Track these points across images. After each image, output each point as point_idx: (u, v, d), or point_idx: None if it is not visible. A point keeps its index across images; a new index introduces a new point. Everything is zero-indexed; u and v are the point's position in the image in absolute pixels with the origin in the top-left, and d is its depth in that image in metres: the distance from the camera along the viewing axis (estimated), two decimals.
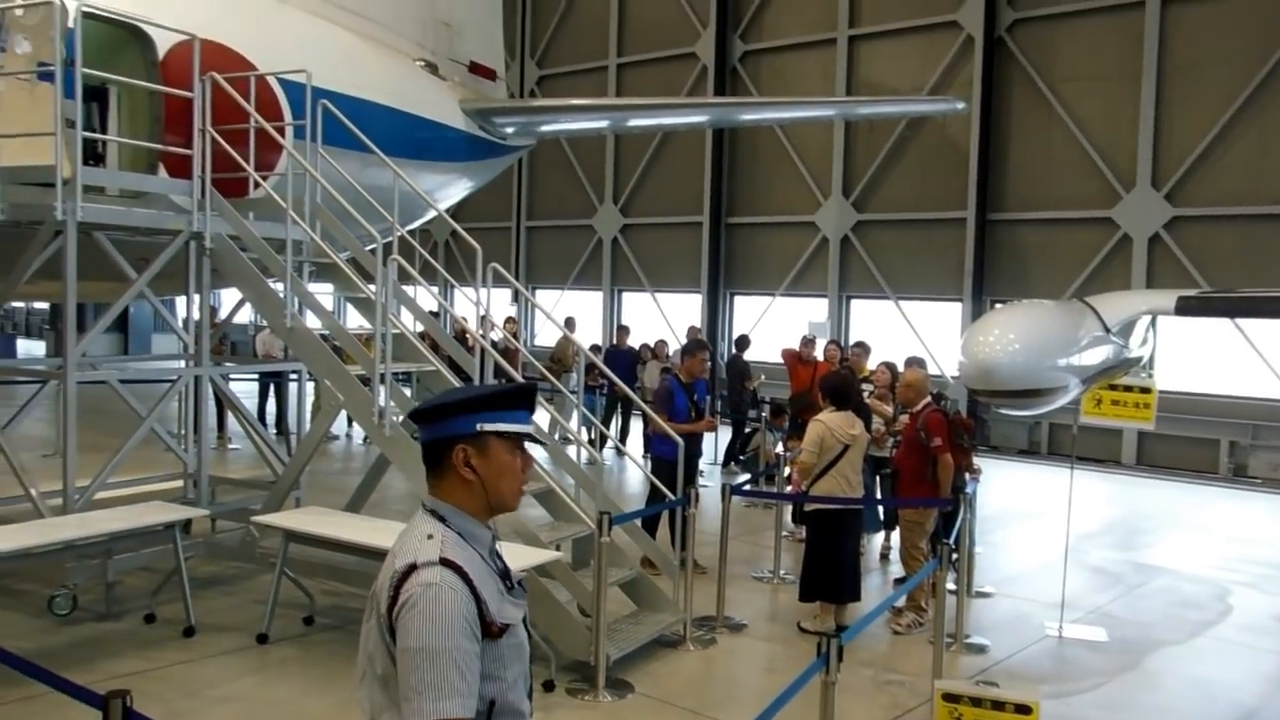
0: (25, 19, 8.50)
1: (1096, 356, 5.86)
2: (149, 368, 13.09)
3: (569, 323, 17.64)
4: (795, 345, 13.66)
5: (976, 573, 9.08)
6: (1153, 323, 7.21)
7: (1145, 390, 7.49)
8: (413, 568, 2.34)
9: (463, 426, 2.50)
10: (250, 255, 8.53)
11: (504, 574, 2.57)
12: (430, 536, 2.42)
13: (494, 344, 9.45)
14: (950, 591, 7.37)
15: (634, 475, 14.08)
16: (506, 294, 24.04)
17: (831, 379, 8.04)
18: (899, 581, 8.58)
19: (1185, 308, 6.16)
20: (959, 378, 6.34)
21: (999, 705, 3.79)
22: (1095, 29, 16.86)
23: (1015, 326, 5.39)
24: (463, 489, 2.51)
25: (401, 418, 7.70)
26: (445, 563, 2.34)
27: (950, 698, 3.89)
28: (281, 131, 9.36)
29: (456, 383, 8.28)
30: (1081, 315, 5.88)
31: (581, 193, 23.78)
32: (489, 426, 2.51)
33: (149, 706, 3.59)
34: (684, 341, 15.90)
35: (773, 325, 20.41)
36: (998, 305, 5.69)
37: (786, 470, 9.96)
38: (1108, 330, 5.89)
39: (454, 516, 2.49)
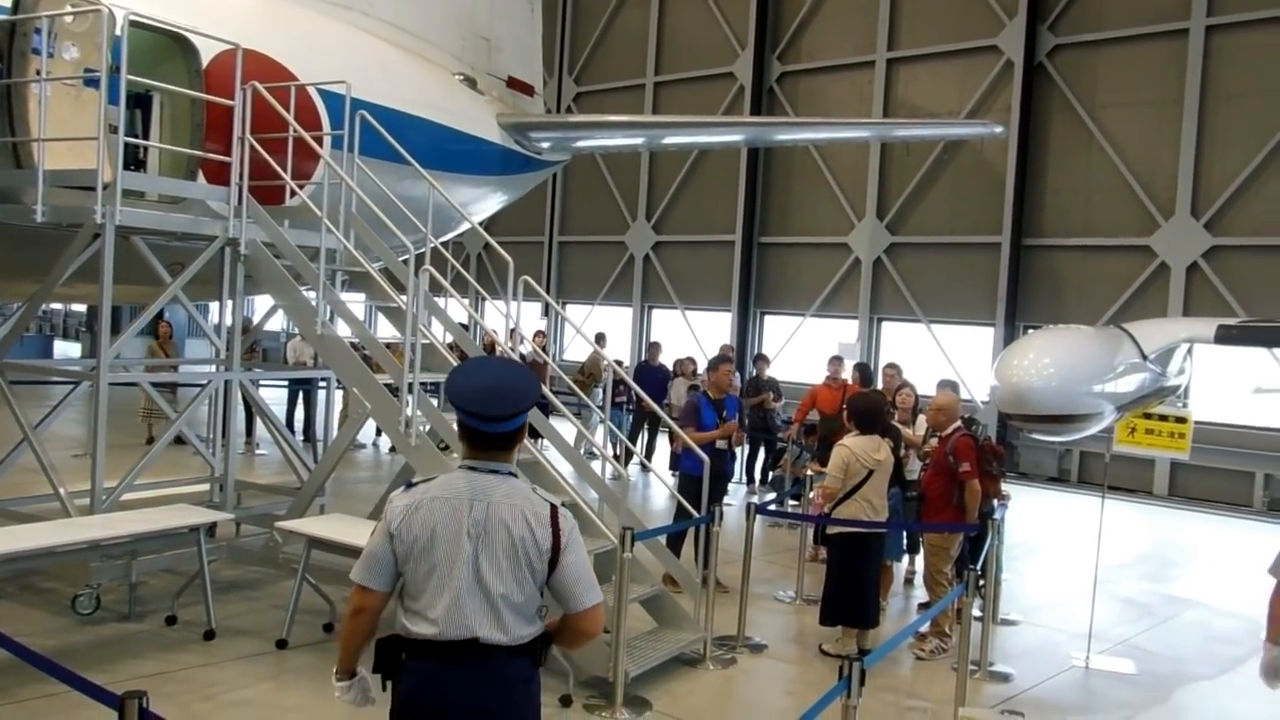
0: (73, 26, 8.66)
1: (1132, 384, 5.76)
2: (181, 372, 13.23)
3: (599, 338, 17.63)
4: (826, 376, 13.05)
5: (1003, 600, 8.96)
6: (1190, 351, 7.10)
7: (1181, 420, 7.37)
8: (555, 509, 3.36)
9: (528, 414, 3.42)
10: (284, 262, 8.61)
11: None
12: (534, 490, 3.41)
13: (523, 357, 9.47)
14: (975, 618, 7.29)
15: (659, 493, 14.03)
16: (537, 308, 24.15)
17: (859, 401, 7.96)
18: (923, 607, 8.47)
19: (1225, 337, 6.05)
20: (991, 402, 6.24)
21: None
22: (1137, 55, 16.73)
23: (1051, 351, 5.32)
24: (517, 453, 3.49)
25: (428, 427, 7.72)
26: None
27: None
28: (320, 141, 9.46)
29: None
30: (1119, 341, 5.79)
31: (615, 209, 23.84)
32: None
33: (165, 708, 3.59)
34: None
35: (803, 345, 20.33)
36: (1031, 331, 5.59)
37: (812, 494, 9.87)
38: (1145, 357, 5.80)
39: (518, 473, 3.45)
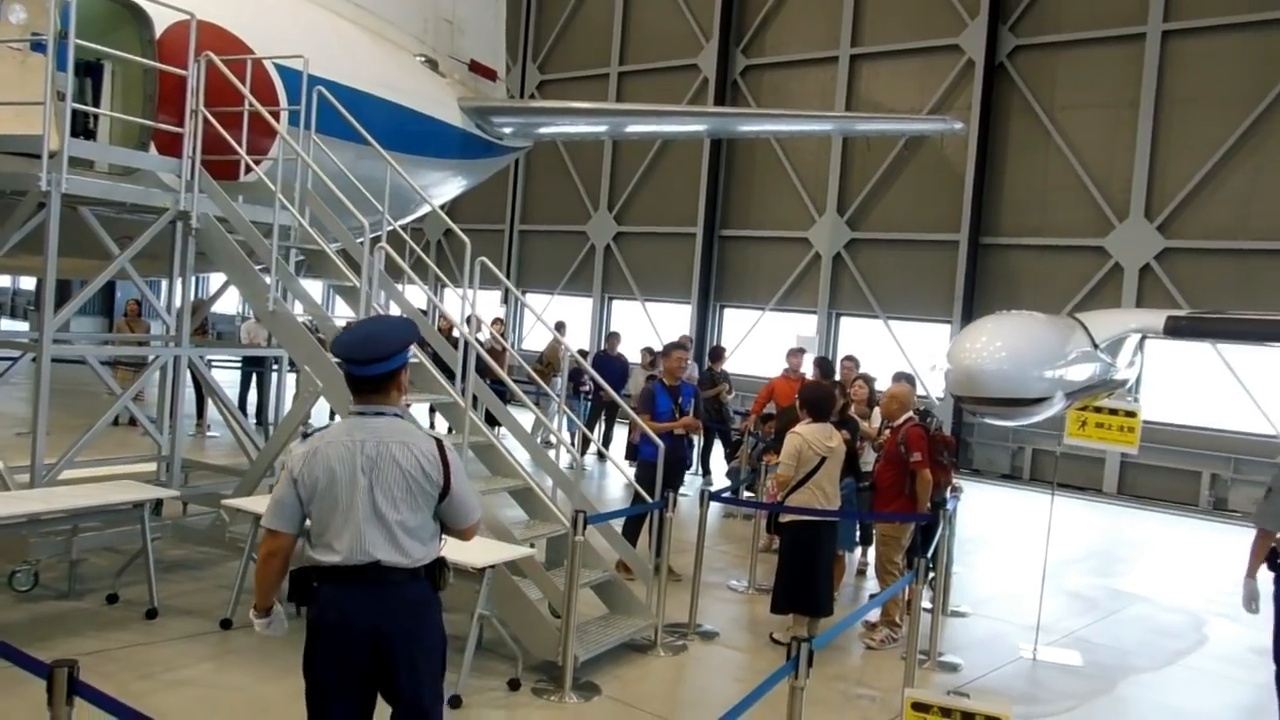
0: None
1: (1083, 372, 5.81)
2: (129, 349, 12.97)
3: (559, 326, 17.53)
4: (784, 368, 13.14)
5: (953, 592, 9.03)
6: (1140, 346, 7.17)
7: (1130, 414, 7.45)
8: (439, 443, 3.84)
9: (405, 356, 3.89)
10: (237, 238, 8.45)
11: None
12: (418, 426, 3.90)
13: (481, 344, 9.37)
14: (925, 610, 7.32)
15: (615, 482, 13.99)
16: (496, 297, 24.00)
17: (810, 390, 7.96)
18: (874, 597, 8.49)
19: (1175, 328, 6.12)
20: (944, 393, 6.25)
21: (969, 716, 3.72)
22: (1095, 58, 16.91)
23: (1003, 334, 5.34)
24: (398, 395, 3.90)
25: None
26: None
27: (920, 707, 3.81)
28: (276, 115, 9.30)
29: (439, 376, 8.20)
30: (1071, 329, 5.84)
31: (576, 198, 23.74)
32: (411, 355, 3.99)
33: (102, 687, 3.49)
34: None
35: (761, 339, 20.38)
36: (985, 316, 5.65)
37: (767, 483, 9.88)
38: (1096, 346, 5.85)
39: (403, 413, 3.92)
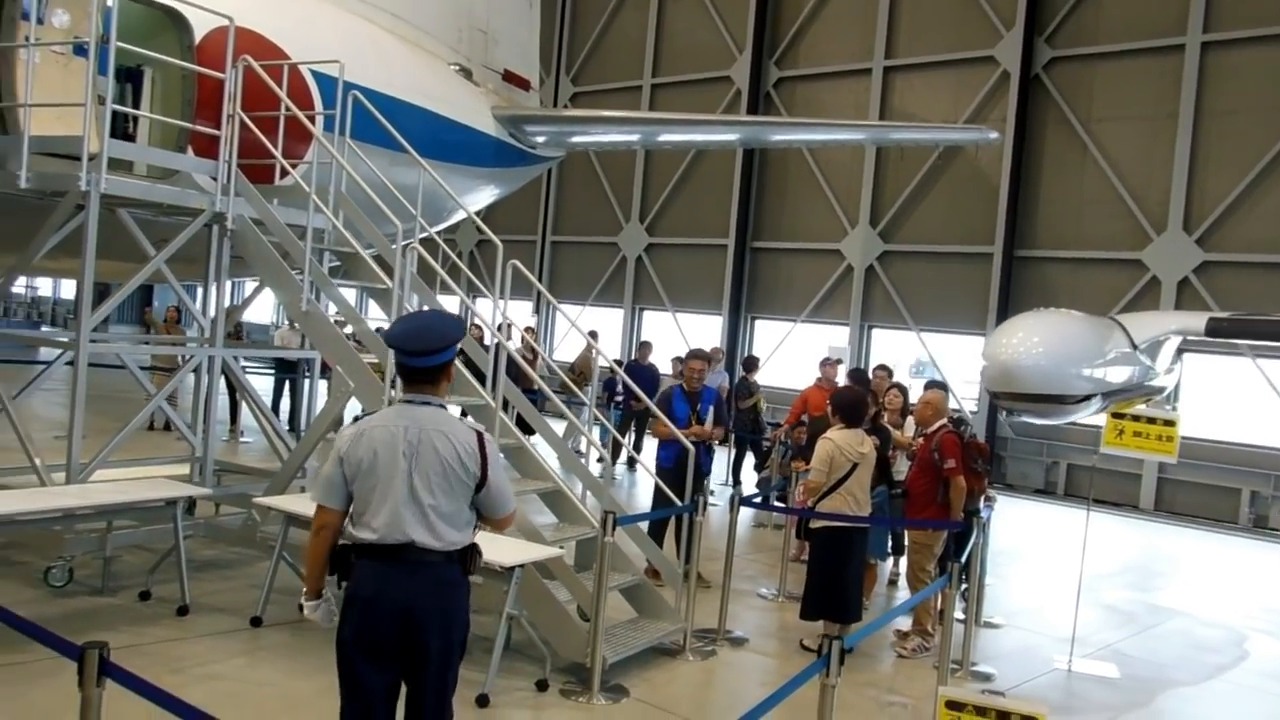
0: None
1: (1122, 373, 5.72)
2: (164, 349, 13.10)
3: (593, 335, 17.52)
4: (817, 378, 12.99)
5: (986, 604, 8.90)
6: (1180, 354, 7.06)
7: (1169, 423, 7.32)
8: (480, 435, 4.01)
9: (454, 350, 4.10)
10: (272, 240, 8.51)
11: None
12: (462, 419, 4.21)
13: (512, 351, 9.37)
14: (958, 620, 7.22)
15: (645, 490, 13.92)
16: (527, 308, 24.08)
17: (843, 395, 7.88)
18: None
19: (1216, 329, 6.01)
20: (981, 379, 6.15)
21: (1004, 716, 3.64)
22: (1133, 70, 16.76)
23: (1041, 330, 5.27)
24: (445, 387, 4.10)
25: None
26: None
27: (954, 705, 3.74)
28: (311, 120, 9.38)
29: (471, 378, 8.22)
30: (1110, 329, 5.75)
31: (608, 210, 23.78)
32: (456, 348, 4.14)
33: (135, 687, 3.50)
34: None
35: (793, 351, 20.29)
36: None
37: (797, 491, 9.80)
38: (1135, 347, 5.75)
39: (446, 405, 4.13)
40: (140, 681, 3.42)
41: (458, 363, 8.52)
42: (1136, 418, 7.41)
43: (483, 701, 5.91)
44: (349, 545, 3.95)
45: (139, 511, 7.34)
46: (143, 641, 6.44)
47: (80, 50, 8.01)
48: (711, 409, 9.31)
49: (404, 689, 3.99)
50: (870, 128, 17.89)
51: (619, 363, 16.33)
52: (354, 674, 3.89)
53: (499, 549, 6.42)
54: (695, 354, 9.82)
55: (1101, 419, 7.69)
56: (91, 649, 3.36)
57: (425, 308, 8.19)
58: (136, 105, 8.94)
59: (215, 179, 8.40)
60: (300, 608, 4.09)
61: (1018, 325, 5.39)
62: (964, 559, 6.94)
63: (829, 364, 12.71)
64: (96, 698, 3.39)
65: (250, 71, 8.50)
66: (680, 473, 8.15)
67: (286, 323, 17.60)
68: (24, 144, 7.53)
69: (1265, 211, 15.49)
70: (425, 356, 3.97)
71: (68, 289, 35.12)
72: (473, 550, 4.02)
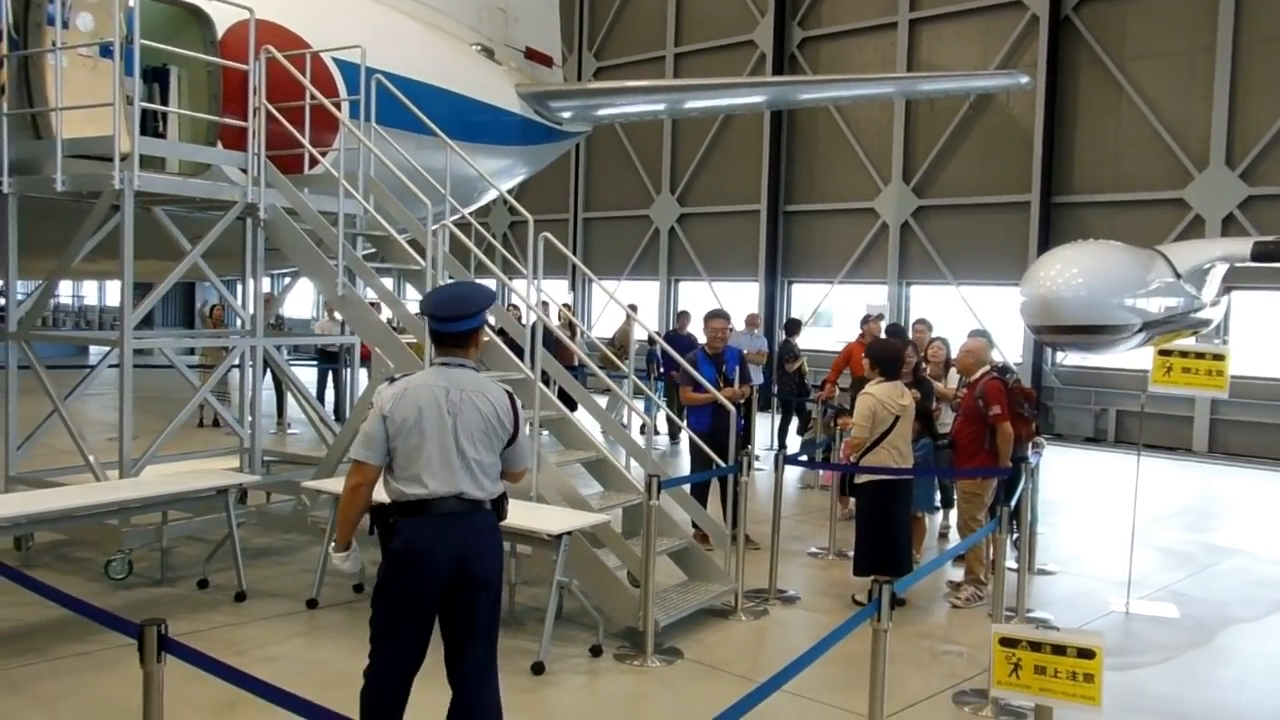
0: None
1: (1165, 303, 5.60)
2: (206, 342, 13.29)
3: (632, 308, 17.49)
4: (859, 334, 12.91)
5: (1039, 552, 8.82)
6: (1228, 290, 6.90)
7: (1218, 357, 7.18)
8: (511, 395, 4.33)
9: (484, 316, 4.38)
10: (306, 229, 8.58)
11: None
12: (493, 380, 4.42)
13: (547, 332, 9.36)
14: (1011, 569, 7.15)
15: (688, 460, 13.92)
16: (563, 286, 24.11)
17: (879, 347, 7.82)
18: (958, 559, 8.33)
19: (1263, 253, 5.85)
20: (1021, 314, 6.03)
21: (1060, 649, 3.60)
22: (1166, 4, 16.34)
23: (1080, 261, 5.16)
24: (475, 351, 4.40)
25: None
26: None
27: (1008, 642, 3.71)
28: (337, 107, 9.42)
29: (510, 354, 8.26)
30: (1152, 260, 5.62)
31: (638, 183, 23.71)
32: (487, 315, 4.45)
33: (197, 661, 3.57)
34: (740, 330, 15.53)
35: (832, 312, 20.16)
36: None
37: (842, 449, 9.74)
38: (1179, 276, 5.62)
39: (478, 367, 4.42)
40: (201, 656, 3.48)
41: (497, 339, 8.62)
42: (1184, 353, 7.27)
43: (538, 669, 5.97)
44: (388, 505, 4.18)
45: (192, 501, 7.47)
46: (202, 628, 6.57)
47: (106, 52, 8.10)
48: (737, 369, 9.30)
49: (450, 630, 4.23)
50: (899, 80, 17.62)
51: (659, 334, 16.31)
52: (397, 629, 4.11)
53: (546, 518, 6.48)
54: (715, 313, 9.77)
55: (1149, 359, 7.57)
56: (150, 625, 3.42)
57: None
58: (165, 103, 9.04)
59: (245, 171, 8.48)
60: (327, 558, 4.36)
61: (1056, 257, 5.29)
62: (1014, 505, 6.87)
63: (871, 321, 12.62)
64: (158, 674, 3.46)
65: (274, 62, 8.55)
66: (718, 436, 8.12)
67: (326, 314, 17.79)
68: (58, 146, 7.65)
69: None
70: (457, 322, 4.25)
71: (113, 296, 35.67)
72: (504, 498, 4.37)
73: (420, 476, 4.09)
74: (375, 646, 4.15)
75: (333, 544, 4.37)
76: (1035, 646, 3.63)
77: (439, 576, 4.08)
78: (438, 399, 4.14)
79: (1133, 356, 10.29)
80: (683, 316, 16.93)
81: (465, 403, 4.16)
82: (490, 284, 12.67)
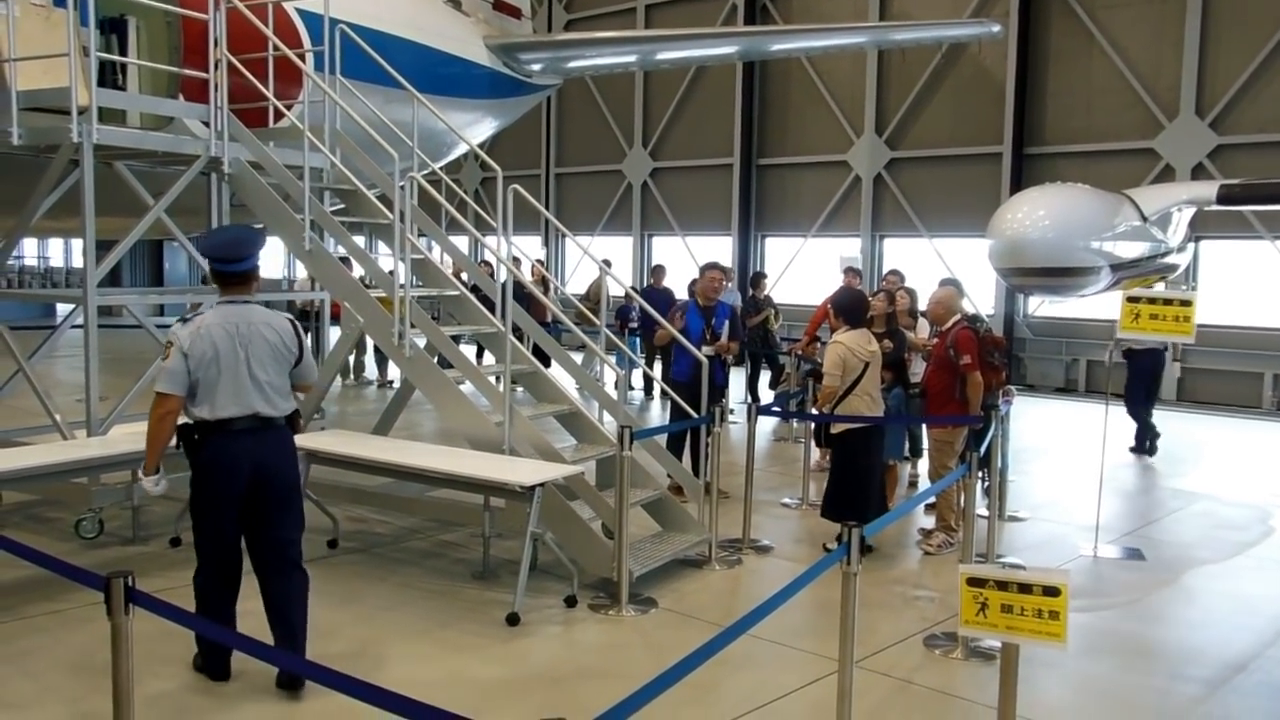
0: None
1: (1132, 246, 5.62)
2: (171, 299, 13.14)
3: (606, 263, 17.39)
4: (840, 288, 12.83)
5: (1010, 499, 8.93)
6: (1196, 238, 6.93)
7: (1185, 303, 7.26)
8: (293, 322, 5.06)
9: (258, 257, 5.05)
10: (271, 183, 8.45)
11: None
12: (274, 311, 5.07)
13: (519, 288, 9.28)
14: (981, 516, 7.23)
15: (663, 413, 13.97)
16: (536, 242, 23.95)
17: (842, 296, 7.83)
18: (930, 507, 8.42)
19: (1228, 196, 5.89)
20: (989, 257, 6.04)
21: (1026, 588, 3.65)
22: None
23: (1047, 204, 5.17)
24: (254, 288, 5.07)
25: (425, 342, 7.64)
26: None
27: (975, 582, 3.76)
28: (302, 58, 9.25)
29: (482, 308, 8.23)
30: (1119, 203, 5.64)
31: (610, 138, 23.52)
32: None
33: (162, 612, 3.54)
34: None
35: (805, 266, 20.16)
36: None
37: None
38: (1145, 220, 5.64)
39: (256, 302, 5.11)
40: (169, 607, 3.46)
41: (469, 295, 8.56)
42: (1152, 300, 7.34)
43: (513, 620, 5.99)
44: (192, 425, 4.86)
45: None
46: (176, 585, 6.47)
47: (60, 1, 7.90)
48: (726, 324, 9.24)
49: (251, 527, 5.02)
50: (870, 29, 17.51)
51: (635, 289, 16.25)
52: (217, 527, 4.96)
53: (519, 470, 6.48)
54: (712, 265, 9.68)
55: (1118, 306, 7.62)
56: (117, 578, 3.39)
57: (414, 250, 8.26)
58: (123, 55, 8.84)
59: (208, 124, 8.32)
60: (136, 481, 5.24)
61: (1023, 200, 5.29)
62: (983, 451, 6.92)
63: (851, 273, 12.58)
64: (126, 626, 3.43)
65: (235, 12, 8.36)
66: (695, 387, 8.13)
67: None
68: (13, 99, 7.48)
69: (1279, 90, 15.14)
70: (237, 263, 4.90)
71: (79, 257, 35.16)
72: (296, 414, 5.11)
73: (220, 401, 4.77)
74: (201, 554, 5.02)
75: (141, 470, 5.03)
76: (1002, 586, 3.67)
77: (240, 480, 4.82)
78: (230, 334, 4.78)
79: (1103, 304, 10.32)
80: (658, 271, 16.83)
81: (254, 334, 4.83)
82: (462, 241, 12.53)
